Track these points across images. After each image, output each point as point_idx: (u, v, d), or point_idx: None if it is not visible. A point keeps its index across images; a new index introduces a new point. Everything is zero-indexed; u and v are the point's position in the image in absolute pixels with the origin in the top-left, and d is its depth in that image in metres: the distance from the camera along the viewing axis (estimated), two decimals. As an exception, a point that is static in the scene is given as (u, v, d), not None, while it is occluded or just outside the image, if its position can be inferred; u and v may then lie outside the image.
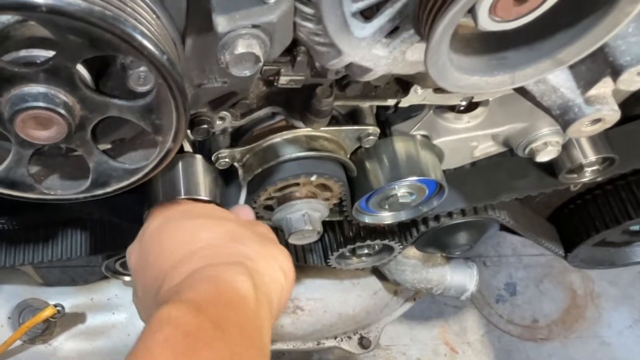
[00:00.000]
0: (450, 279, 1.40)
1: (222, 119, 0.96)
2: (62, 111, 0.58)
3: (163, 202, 0.87)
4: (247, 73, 0.63)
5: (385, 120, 1.09)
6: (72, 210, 1.06)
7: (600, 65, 0.72)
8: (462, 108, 1.02)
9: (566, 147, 1.04)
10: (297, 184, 1.03)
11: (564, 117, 0.78)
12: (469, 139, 1.05)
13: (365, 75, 0.74)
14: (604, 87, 0.75)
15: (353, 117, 1.02)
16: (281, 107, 0.98)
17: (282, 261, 0.74)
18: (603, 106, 0.76)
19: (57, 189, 0.71)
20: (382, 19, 0.66)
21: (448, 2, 0.53)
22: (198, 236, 0.71)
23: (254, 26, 0.61)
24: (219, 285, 0.62)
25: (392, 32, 0.68)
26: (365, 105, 1.01)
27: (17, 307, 1.31)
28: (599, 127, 0.79)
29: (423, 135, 1.05)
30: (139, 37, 0.51)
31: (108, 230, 1.13)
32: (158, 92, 0.58)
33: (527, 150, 1.02)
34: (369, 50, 0.69)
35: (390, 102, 0.98)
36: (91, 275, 1.39)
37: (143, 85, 0.60)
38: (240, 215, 0.87)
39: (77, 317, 1.34)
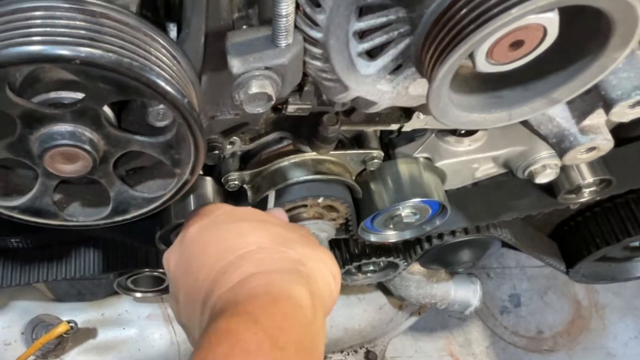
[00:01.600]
0: (454, 294, 1.43)
1: (232, 143, 1.00)
2: (88, 147, 0.62)
3: (201, 206, 0.82)
4: (260, 110, 0.67)
5: (389, 143, 1.13)
6: (85, 230, 1.09)
7: (594, 98, 0.76)
8: (463, 132, 1.06)
9: (565, 169, 1.08)
10: (305, 206, 1.07)
11: (560, 146, 0.82)
12: (470, 161, 1.09)
13: (371, 107, 0.78)
14: (598, 118, 0.79)
15: (358, 141, 1.07)
16: (289, 132, 1.02)
17: (331, 264, 0.72)
18: (597, 136, 0.80)
19: (79, 215, 0.75)
20: (386, 59, 0.70)
21: (449, 49, 0.57)
22: (245, 240, 0.68)
23: (267, 68, 0.65)
24: (275, 295, 0.61)
25: (396, 69, 0.72)
26: (370, 129, 1.05)
27: (30, 323, 1.34)
28: (593, 155, 0.83)
29: (426, 158, 1.09)
30: (163, 84, 0.55)
31: (120, 249, 1.17)
32: (178, 130, 0.62)
33: (526, 173, 1.06)
34: (373, 85, 0.73)
35: (394, 126, 1.02)
36: (98, 288, 1.42)
37: (162, 120, 0.64)
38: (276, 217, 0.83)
39: (89, 333, 1.38)
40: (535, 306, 2.19)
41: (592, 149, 0.82)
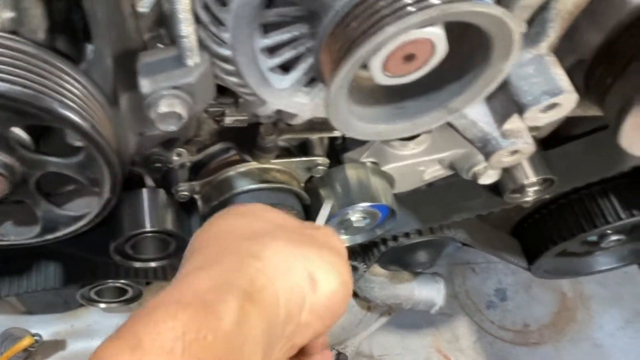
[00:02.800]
0: (418, 294, 1.45)
1: (179, 155, 1.02)
2: (2, 170, 0.64)
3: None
4: (173, 128, 0.69)
5: (339, 148, 1.14)
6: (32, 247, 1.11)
7: (510, 102, 0.77)
8: (407, 136, 1.07)
9: (509, 169, 1.09)
10: (253, 214, 1.08)
11: (484, 149, 0.84)
12: (415, 164, 1.10)
13: (293, 119, 0.80)
14: (517, 122, 0.80)
15: (303, 148, 1.08)
16: (232, 142, 1.04)
17: (315, 264, 0.60)
18: (517, 139, 0.81)
19: (10, 235, 0.77)
20: (298, 72, 0.72)
21: (339, 62, 0.58)
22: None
23: (175, 87, 0.66)
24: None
25: (311, 82, 0.74)
26: (314, 137, 1.06)
27: (0, 336, 1.36)
28: (518, 158, 0.84)
29: (372, 162, 1.11)
30: (59, 109, 0.57)
31: (80, 261, 1.19)
32: (87, 151, 0.64)
33: (470, 174, 1.07)
34: (290, 99, 0.75)
35: (337, 133, 1.04)
36: (71, 298, 1.42)
37: (80, 140, 0.66)
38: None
39: (58, 344, 1.40)
40: (521, 300, 2.19)
41: (515, 152, 0.83)
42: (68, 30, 0.68)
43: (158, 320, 0.46)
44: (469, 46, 0.60)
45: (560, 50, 0.80)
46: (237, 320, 0.49)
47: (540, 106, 0.73)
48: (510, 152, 0.83)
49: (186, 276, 0.53)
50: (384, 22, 0.54)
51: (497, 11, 0.51)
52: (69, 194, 0.75)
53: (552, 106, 0.74)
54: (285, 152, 1.09)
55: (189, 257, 0.58)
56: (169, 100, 0.67)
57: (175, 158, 1.02)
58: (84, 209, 0.75)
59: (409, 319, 1.95)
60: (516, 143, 0.81)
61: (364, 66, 0.62)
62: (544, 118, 0.75)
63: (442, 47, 0.58)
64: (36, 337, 1.25)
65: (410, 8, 0.53)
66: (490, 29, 0.53)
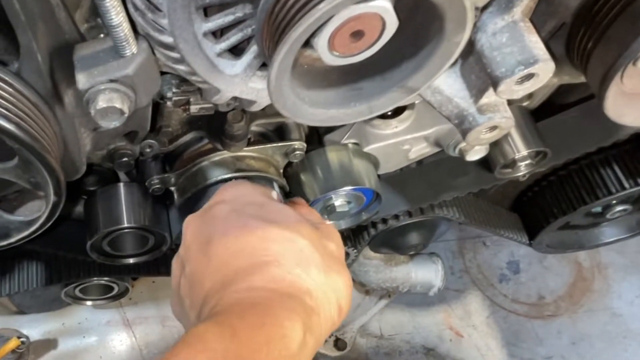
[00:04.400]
0: (415, 276, 1.40)
1: (150, 146, 0.97)
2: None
3: (239, 181, 0.80)
4: (116, 124, 0.65)
5: (320, 131, 1.09)
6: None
7: (485, 75, 0.71)
8: (389, 113, 1.02)
9: (499, 143, 1.03)
10: (230, 204, 1.04)
11: (461, 127, 0.78)
12: (399, 143, 1.04)
13: (252, 106, 0.75)
14: (494, 96, 0.74)
15: (279, 133, 1.03)
16: (204, 131, 0.99)
17: (342, 293, 0.69)
18: (495, 114, 0.75)
19: (-35, 242, 0.73)
20: (248, 56, 0.67)
21: (279, 39, 0.53)
22: (267, 247, 0.67)
23: (112, 80, 0.62)
24: (268, 318, 0.60)
25: (264, 65, 0.68)
26: (290, 120, 1.01)
27: (-10, 337, 1.35)
28: (497, 134, 0.78)
29: (354, 144, 1.05)
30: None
31: (61, 260, 1.16)
32: (19, 154, 0.60)
33: (456, 150, 1.02)
34: (245, 85, 0.70)
35: (313, 115, 0.98)
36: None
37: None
38: (305, 214, 0.78)
39: (49, 343, 1.39)
40: (534, 271, 2.13)
41: (494, 128, 0.77)
42: (1, 28, 0.63)
43: None
44: (423, 19, 0.54)
45: (540, 14, 0.73)
46: (300, 346, 0.60)
47: (515, 77, 0.67)
48: (489, 128, 0.77)
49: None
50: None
51: (442, -22, 0.45)
52: (18, 199, 0.71)
53: (528, 77, 0.68)
54: (261, 138, 1.04)
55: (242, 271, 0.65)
56: (107, 95, 0.62)
57: (146, 150, 0.98)
58: (34, 214, 0.71)
59: (419, 296, 1.91)
60: (493, 118, 0.75)
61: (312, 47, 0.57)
62: (520, 90, 0.69)
63: (391, 22, 0.53)
64: (22, 340, 1.23)
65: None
66: (441, 1, 0.47)
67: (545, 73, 0.67)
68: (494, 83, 0.68)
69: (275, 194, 0.85)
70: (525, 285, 2.09)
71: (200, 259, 0.69)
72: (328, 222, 0.87)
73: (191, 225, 0.74)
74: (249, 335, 0.58)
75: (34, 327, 1.31)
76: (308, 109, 0.59)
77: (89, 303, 1.27)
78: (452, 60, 0.56)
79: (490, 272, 2.09)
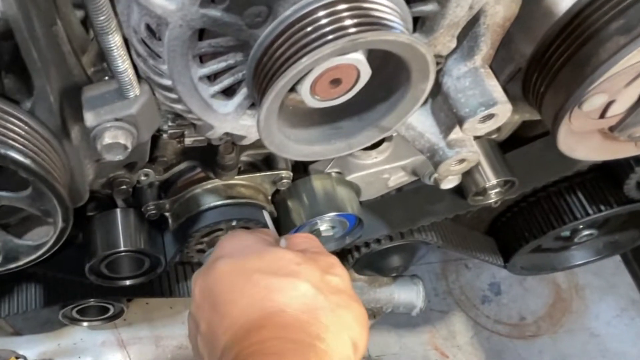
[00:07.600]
0: (397, 297, 1.47)
1: (146, 175, 1.04)
2: (-45, 208, 0.67)
3: (236, 232, 0.82)
4: (120, 157, 0.72)
5: (305, 161, 1.16)
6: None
7: (452, 114, 0.79)
8: (369, 145, 1.09)
9: (470, 172, 1.11)
10: (221, 229, 1.11)
11: (433, 159, 0.86)
12: (379, 172, 1.12)
13: (242, 140, 0.82)
14: (461, 132, 0.82)
15: (267, 162, 1.11)
16: (197, 160, 1.06)
17: (355, 330, 0.69)
18: (462, 149, 0.83)
19: (-26, 265, 0.79)
20: (239, 97, 0.74)
21: (265, 88, 0.61)
22: (272, 298, 0.69)
23: (117, 119, 0.69)
24: None
25: (253, 105, 0.76)
26: (277, 151, 1.08)
27: (-14, 359, 1.39)
28: (465, 166, 0.87)
29: (337, 172, 1.13)
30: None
31: (59, 281, 1.21)
32: (33, 184, 0.67)
33: (431, 179, 1.10)
34: (236, 122, 0.77)
35: (299, 146, 1.06)
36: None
37: (32, 174, 0.68)
38: (296, 244, 0.79)
39: (45, 364, 1.43)
40: (515, 293, 2.18)
41: (462, 160, 0.85)
42: (15, 70, 0.71)
43: None
44: (393, 68, 0.62)
45: (500, 60, 0.82)
46: None
47: (478, 117, 0.75)
48: (458, 161, 0.85)
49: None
50: (302, 53, 0.56)
51: (405, 38, 0.53)
52: (26, 224, 0.78)
53: (490, 116, 0.76)
54: (251, 167, 1.11)
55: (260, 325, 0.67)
56: (113, 132, 0.69)
57: (142, 178, 1.05)
58: (42, 238, 0.77)
59: (404, 317, 1.96)
60: (461, 152, 0.83)
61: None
62: (482, 128, 0.77)
63: (365, 71, 0.61)
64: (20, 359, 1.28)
65: (324, 38, 0.55)
66: (404, 54, 0.56)
67: (503, 113, 0.75)
68: (459, 122, 0.77)
69: (269, 222, 0.90)
70: (507, 306, 2.13)
71: (212, 318, 0.71)
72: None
73: (198, 284, 0.75)
74: None
75: (31, 348, 1.35)
76: (293, 145, 0.67)
77: (85, 324, 1.32)
78: (419, 104, 0.64)
79: (472, 294, 2.14)
